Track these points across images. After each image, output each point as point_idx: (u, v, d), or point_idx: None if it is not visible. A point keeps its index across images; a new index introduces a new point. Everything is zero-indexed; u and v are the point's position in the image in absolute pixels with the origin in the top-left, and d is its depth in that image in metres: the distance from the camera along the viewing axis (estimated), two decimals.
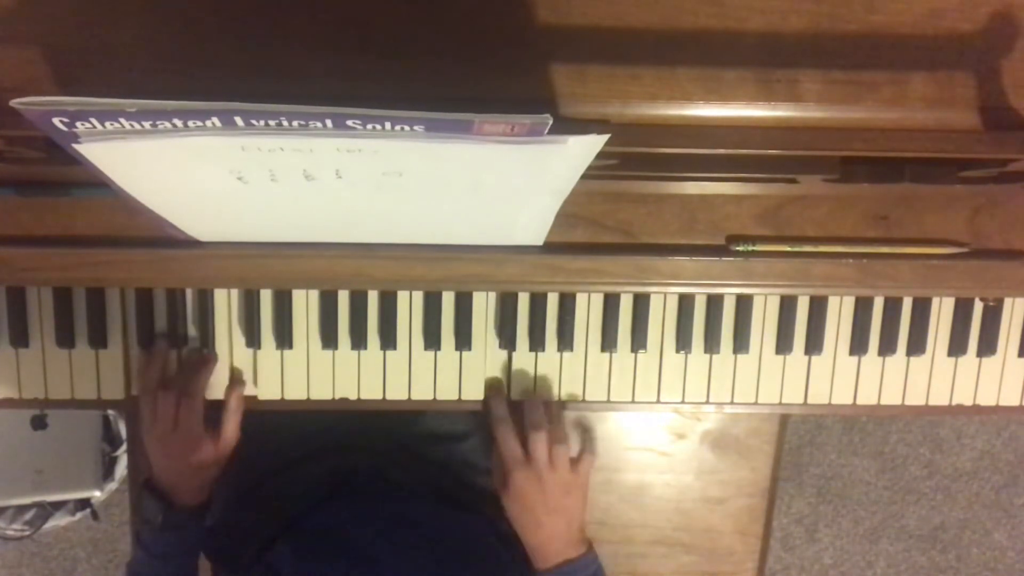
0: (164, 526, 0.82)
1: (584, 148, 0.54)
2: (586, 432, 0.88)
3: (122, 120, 0.47)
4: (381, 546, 0.82)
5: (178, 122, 0.48)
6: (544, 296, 0.85)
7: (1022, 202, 0.76)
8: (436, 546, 0.84)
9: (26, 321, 0.84)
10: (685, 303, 0.86)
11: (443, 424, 1.00)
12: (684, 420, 1.14)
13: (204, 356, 0.85)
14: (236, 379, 0.86)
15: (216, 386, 0.86)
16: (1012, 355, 0.89)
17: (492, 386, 0.86)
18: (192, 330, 0.85)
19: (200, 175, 0.56)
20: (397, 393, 0.87)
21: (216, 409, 0.85)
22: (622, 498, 1.13)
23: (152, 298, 0.84)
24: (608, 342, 0.86)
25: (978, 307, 0.88)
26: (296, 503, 0.92)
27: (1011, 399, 0.90)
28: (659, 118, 0.62)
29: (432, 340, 0.85)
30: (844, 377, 0.89)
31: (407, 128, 0.49)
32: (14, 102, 0.44)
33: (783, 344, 0.87)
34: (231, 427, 0.84)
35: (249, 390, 0.86)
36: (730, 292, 0.83)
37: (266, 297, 0.85)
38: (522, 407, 0.84)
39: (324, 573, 0.81)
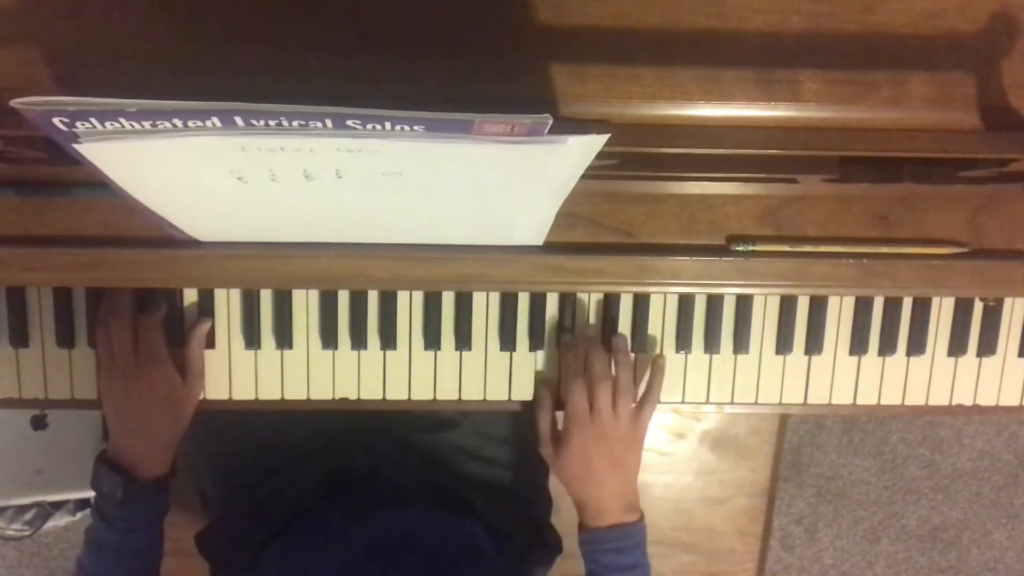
0: (124, 501, 0.78)
1: (584, 148, 0.54)
2: (656, 373, 0.84)
3: (122, 120, 0.47)
4: (369, 564, 0.81)
5: (178, 122, 0.48)
6: (544, 296, 0.85)
7: (1022, 202, 0.76)
8: (427, 556, 0.83)
9: (26, 321, 0.84)
10: (685, 303, 0.86)
11: (435, 414, 1.00)
12: (684, 420, 1.14)
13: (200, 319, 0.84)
14: (201, 324, 0.83)
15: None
16: (1012, 355, 0.89)
17: (567, 344, 0.85)
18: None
19: (200, 175, 0.56)
20: (397, 393, 0.87)
21: None
22: None
23: None
24: (608, 342, 0.86)
25: (978, 307, 0.88)
26: (293, 504, 0.92)
27: (1011, 399, 0.90)
28: (659, 118, 0.62)
29: (432, 340, 0.85)
30: (844, 377, 0.89)
31: (407, 128, 0.49)
32: (14, 102, 0.44)
33: (783, 344, 0.87)
34: (195, 357, 0.81)
35: (249, 390, 0.86)
36: (730, 292, 0.83)
37: (266, 297, 0.85)
38: (587, 356, 0.82)
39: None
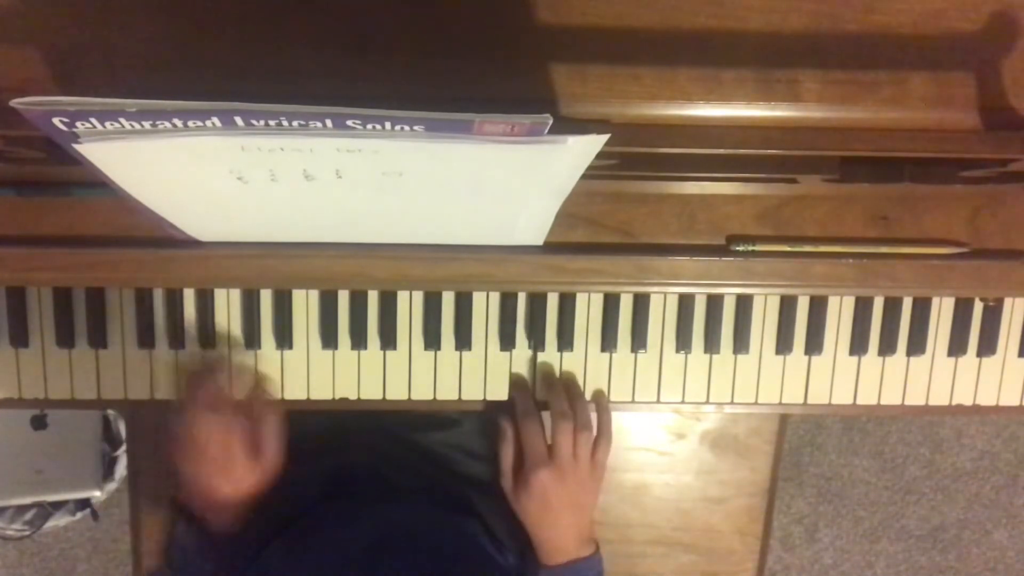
0: (200, 552, 0.80)
1: (584, 148, 0.54)
2: (603, 412, 0.85)
3: (122, 120, 0.47)
4: (370, 559, 0.81)
5: (178, 122, 0.48)
6: (544, 296, 0.85)
7: (1022, 202, 0.76)
8: (428, 553, 0.83)
9: (26, 321, 0.84)
10: (685, 303, 0.86)
11: (435, 413, 1.00)
12: (684, 420, 1.14)
13: (258, 379, 0.83)
14: (269, 398, 0.83)
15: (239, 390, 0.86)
16: (1012, 355, 0.89)
17: (516, 382, 0.86)
18: (192, 330, 0.85)
19: (200, 175, 0.56)
20: (397, 393, 0.87)
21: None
22: (622, 498, 1.13)
23: (152, 298, 0.84)
24: (608, 342, 0.86)
25: (978, 307, 0.88)
26: (294, 503, 0.92)
27: (1011, 399, 0.90)
28: (659, 118, 0.62)
29: (432, 340, 0.85)
30: (844, 377, 0.89)
31: (407, 128, 0.49)
32: (14, 102, 0.44)
33: (783, 344, 0.87)
34: (272, 451, 0.80)
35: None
36: (730, 292, 0.83)
37: (266, 297, 0.85)
38: (546, 397, 0.83)
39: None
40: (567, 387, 0.85)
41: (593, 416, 0.85)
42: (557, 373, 0.87)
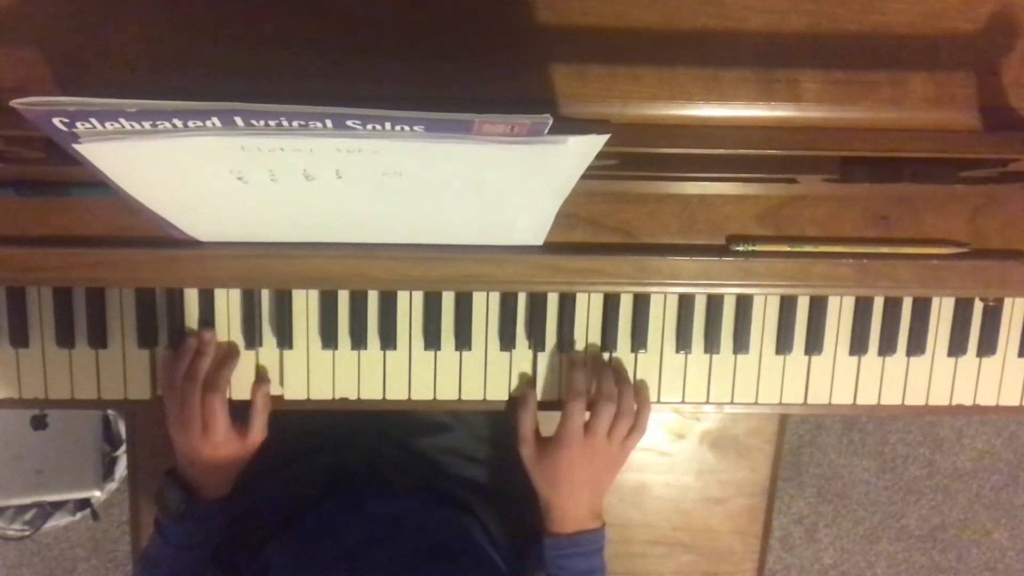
0: (186, 517, 0.81)
1: (584, 148, 0.54)
2: (643, 405, 0.86)
3: (122, 120, 0.47)
4: (371, 550, 0.82)
5: (178, 122, 0.48)
6: (544, 296, 0.85)
7: (1022, 202, 0.76)
8: (429, 550, 0.84)
9: (26, 321, 0.84)
10: (685, 303, 0.86)
11: (430, 417, 1.01)
12: (684, 420, 1.14)
13: (227, 350, 0.84)
14: (262, 377, 0.86)
15: (239, 386, 0.85)
16: (1012, 355, 0.89)
17: (573, 359, 0.86)
18: (192, 330, 0.85)
19: (200, 175, 0.56)
20: (397, 393, 0.87)
21: (242, 408, 0.84)
22: (622, 498, 1.13)
23: (152, 298, 0.84)
24: (608, 342, 0.86)
25: (978, 307, 0.88)
26: (291, 503, 0.92)
27: (1011, 399, 0.90)
28: (659, 118, 0.62)
29: (432, 340, 0.85)
30: (844, 377, 0.88)
31: (407, 128, 0.49)
32: (14, 102, 0.44)
33: (783, 344, 0.87)
34: (259, 425, 0.84)
35: (250, 390, 0.86)
36: (730, 292, 0.83)
37: (266, 297, 0.85)
38: (598, 377, 0.84)
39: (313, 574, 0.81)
40: (616, 372, 0.85)
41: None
42: (556, 374, 0.87)
